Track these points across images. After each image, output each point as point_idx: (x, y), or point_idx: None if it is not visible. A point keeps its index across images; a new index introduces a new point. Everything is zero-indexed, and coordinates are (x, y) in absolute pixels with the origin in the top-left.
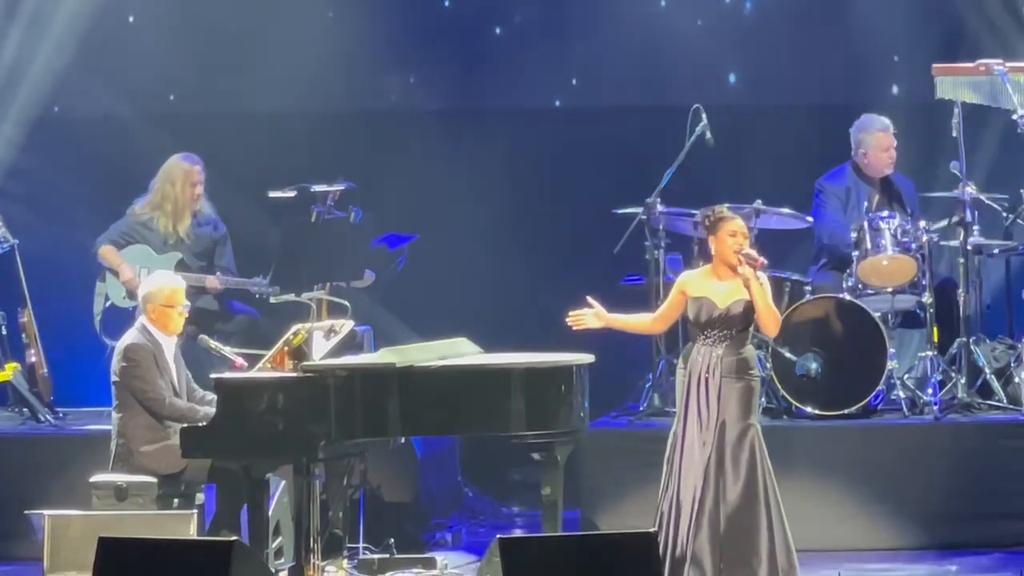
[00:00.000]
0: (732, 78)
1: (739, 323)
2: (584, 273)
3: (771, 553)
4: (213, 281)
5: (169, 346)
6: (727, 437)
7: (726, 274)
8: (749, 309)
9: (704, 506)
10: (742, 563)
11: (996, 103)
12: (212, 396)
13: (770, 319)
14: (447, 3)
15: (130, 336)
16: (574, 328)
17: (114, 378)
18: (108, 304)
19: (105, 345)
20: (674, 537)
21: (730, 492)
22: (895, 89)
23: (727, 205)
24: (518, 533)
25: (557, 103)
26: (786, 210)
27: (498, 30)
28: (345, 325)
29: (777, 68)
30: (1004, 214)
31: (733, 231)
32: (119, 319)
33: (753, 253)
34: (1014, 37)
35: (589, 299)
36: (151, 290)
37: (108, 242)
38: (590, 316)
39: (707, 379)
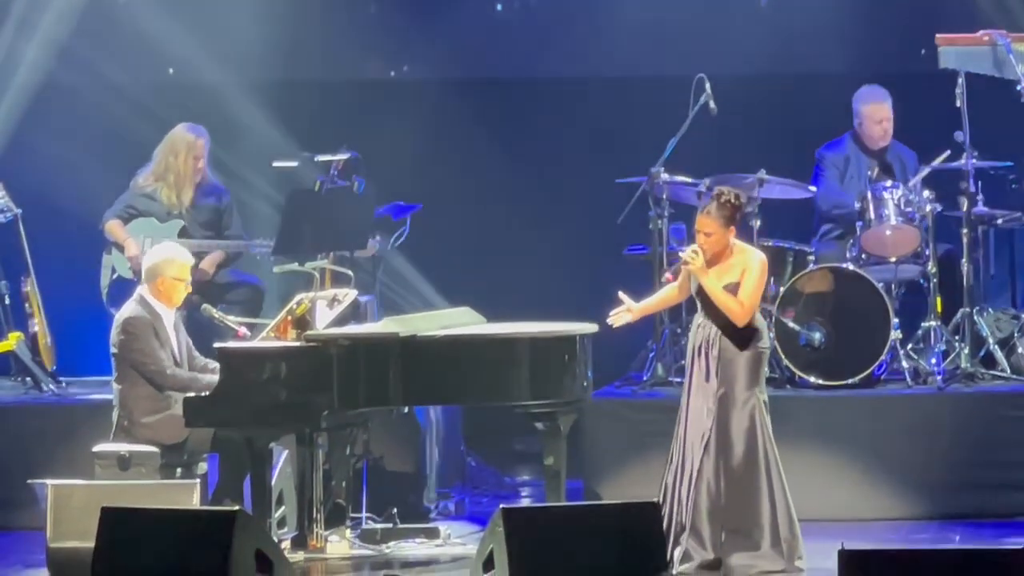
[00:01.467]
0: (737, 47)
1: (735, 293)
2: (588, 243)
3: (773, 523)
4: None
5: (169, 317)
6: (729, 406)
7: (715, 258)
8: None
9: (703, 475)
10: (743, 533)
11: (1000, 73)
12: (215, 364)
13: (730, 309)
14: None
15: (128, 308)
16: (615, 326)
17: (113, 350)
18: (115, 276)
19: (111, 317)
20: (677, 507)
21: (731, 462)
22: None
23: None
24: (521, 503)
25: (561, 72)
26: (790, 180)
27: (499, 6)
28: (348, 294)
29: (783, 38)
30: (1013, 185)
31: (697, 228)
32: (126, 291)
33: (687, 256)
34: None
35: (621, 294)
36: (161, 261)
37: (114, 217)
38: (624, 313)
39: (708, 349)
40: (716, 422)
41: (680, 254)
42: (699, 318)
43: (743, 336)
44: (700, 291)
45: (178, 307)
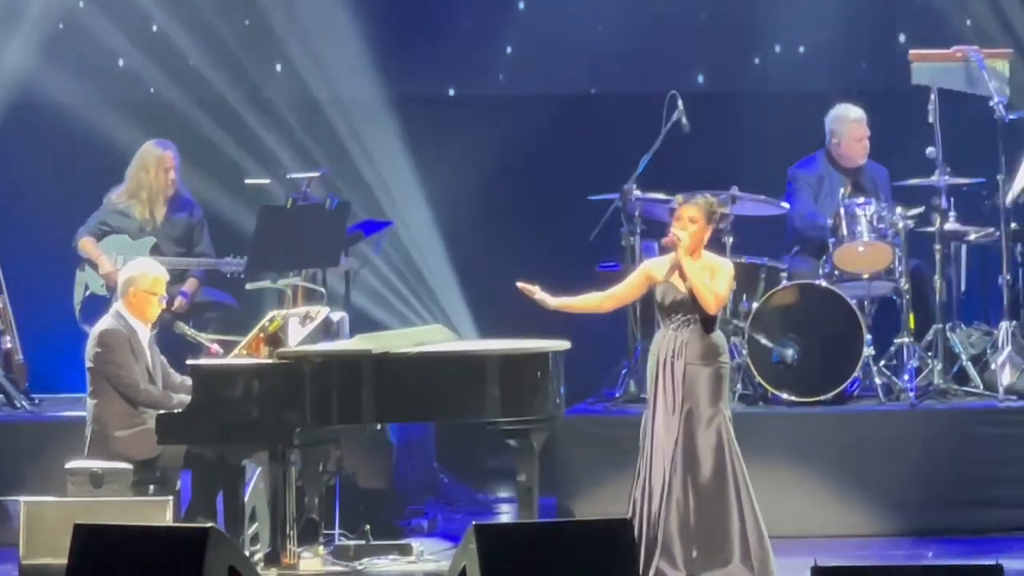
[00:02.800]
0: (707, 65)
1: (701, 307)
2: (560, 260)
3: (743, 538)
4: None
5: (144, 333)
6: (695, 423)
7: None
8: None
9: (673, 493)
10: (713, 550)
11: (972, 89)
12: (190, 381)
13: (706, 297)
14: None
15: (105, 322)
16: (522, 292)
17: (88, 364)
18: (88, 293)
19: (84, 333)
20: (646, 524)
21: (699, 479)
22: (868, 75)
23: (708, 194)
24: (494, 520)
25: (533, 89)
26: (762, 197)
27: (464, 24)
28: (321, 312)
29: (752, 55)
30: (985, 201)
31: (679, 216)
32: (99, 308)
33: (678, 234)
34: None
35: (537, 287)
36: (135, 274)
37: (87, 234)
38: (540, 295)
39: (672, 363)
40: (682, 438)
41: (672, 232)
42: (662, 331)
43: (706, 350)
44: (665, 303)
45: (153, 323)
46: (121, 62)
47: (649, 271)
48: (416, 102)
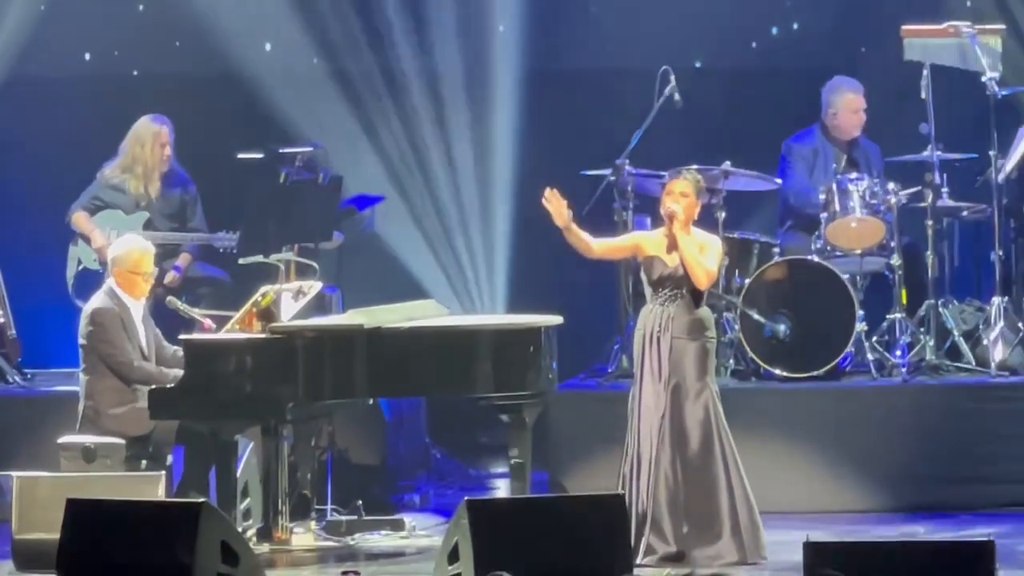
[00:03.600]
0: (702, 39)
1: (689, 282)
2: (552, 235)
3: (732, 512)
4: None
5: (137, 309)
6: (682, 397)
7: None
8: None
9: (661, 467)
10: (705, 526)
11: (965, 65)
12: (182, 352)
13: (698, 272)
14: None
15: (97, 300)
16: (545, 204)
17: (81, 341)
18: (80, 268)
19: (77, 308)
20: (636, 499)
21: (687, 453)
22: (864, 50)
23: (695, 167)
24: (486, 495)
25: (526, 65)
26: (755, 172)
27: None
28: (313, 287)
29: (747, 29)
30: (978, 177)
31: (670, 190)
32: (91, 282)
33: (673, 208)
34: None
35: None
36: (119, 254)
37: (80, 208)
38: (562, 208)
39: (659, 338)
40: (670, 413)
41: (667, 206)
42: (649, 305)
43: (692, 325)
44: (652, 277)
45: (146, 298)
46: (113, 37)
47: (639, 241)
48: (408, 77)
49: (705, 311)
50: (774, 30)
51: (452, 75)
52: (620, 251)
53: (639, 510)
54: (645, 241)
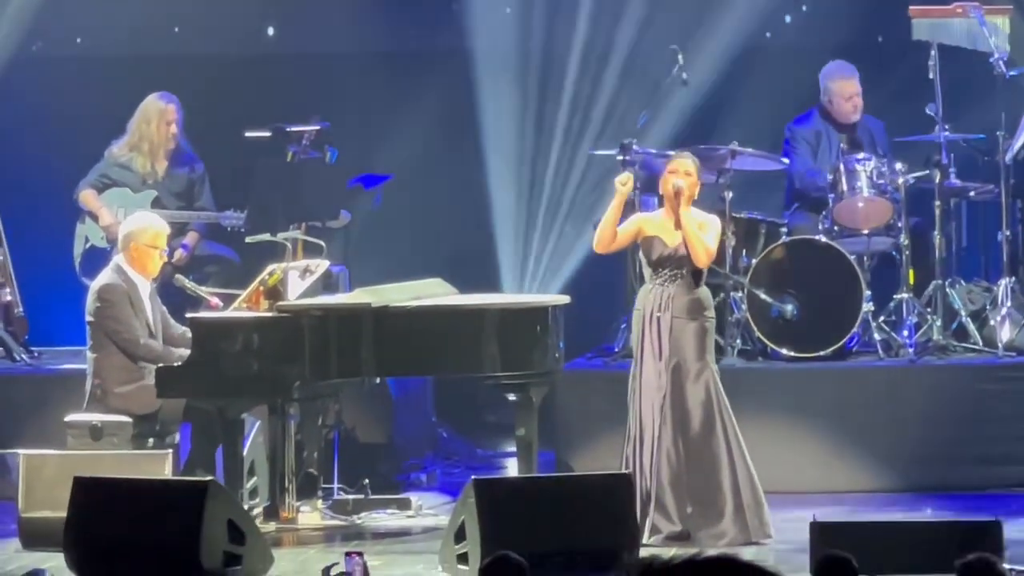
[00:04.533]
0: (709, 20)
1: (689, 262)
2: (560, 214)
3: (735, 490)
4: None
5: (144, 286)
6: (683, 377)
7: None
8: None
9: (663, 446)
10: (708, 505)
11: (972, 45)
12: (190, 332)
13: (699, 249)
14: None
15: (104, 276)
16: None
17: (88, 318)
18: (88, 246)
19: (84, 286)
20: (639, 479)
21: (688, 433)
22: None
23: (702, 147)
24: (493, 474)
25: (533, 43)
26: (762, 152)
27: None
28: (320, 265)
29: (755, 8)
30: (984, 157)
31: (674, 168)
32: (99, 260)
33: (678, 183)
34: None
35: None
36: (135, 228)
37: (88, 186)
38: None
39: (659, 318)
40: (671, 393)
41: (672, 182)
42: (648, 285)
43: (692, 305)
44: (652, 258)
45: (154, 277)
46: (124, 15)
47: (640, 223)
48: (415, 55)
49: (704, 291)
50: (787, 17)
51: (458, 53)
52: (627, 236)
53: (643, 490)
54: (645, 222)
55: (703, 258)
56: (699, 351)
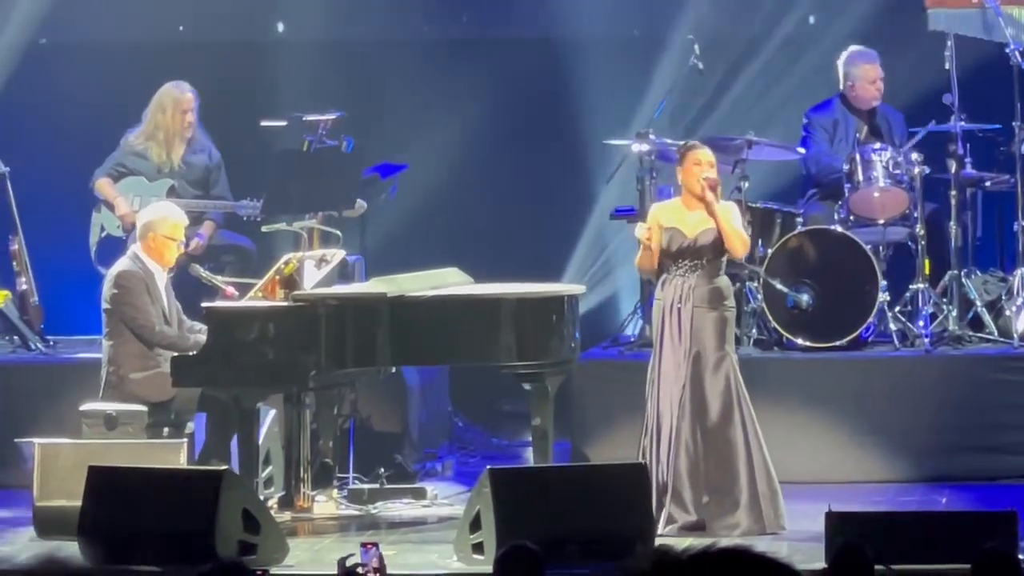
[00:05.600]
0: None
1: (709, 252)
2: (575, 204)
3: (751, 480)
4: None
5: (161, 276)
6: (703, 367)
7: (694, 204)
8: (719, 238)
9: (681, 437)
10: (724, 492)
11: (989, 36)
12: (200, 326)
13: (736, 241)
14: None
15: (121, 264)
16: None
17: (105, 305)
18: (104, 235)
19: (99, 275)
20: (656, 470)
21: (707, 423)
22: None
23: (718, 137)
24: (509, 464)
25: (549, 33)
26: (777, 142)
27: None
28: (336, 254)
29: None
30: (999, 147)
31: (698, 160)
32: (114, 249)
33: (711, 174)
34: None
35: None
36: (155, 219)
37: (104, 175)
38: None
39: (679, 309)
40: (690, 383)
41: (705, 174)
42: (668, 277)
43: (712, 295)
44: (671, 250)
45: (171, 267)
46: (141, 3)
47: (658, 216)
48: (432, 45)
49: (724, 280)
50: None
51: (471, 42)
52: (657, 239)
53: (660, 480)
54: (662, 213)
55: (740, 249)
56: (719, 341)
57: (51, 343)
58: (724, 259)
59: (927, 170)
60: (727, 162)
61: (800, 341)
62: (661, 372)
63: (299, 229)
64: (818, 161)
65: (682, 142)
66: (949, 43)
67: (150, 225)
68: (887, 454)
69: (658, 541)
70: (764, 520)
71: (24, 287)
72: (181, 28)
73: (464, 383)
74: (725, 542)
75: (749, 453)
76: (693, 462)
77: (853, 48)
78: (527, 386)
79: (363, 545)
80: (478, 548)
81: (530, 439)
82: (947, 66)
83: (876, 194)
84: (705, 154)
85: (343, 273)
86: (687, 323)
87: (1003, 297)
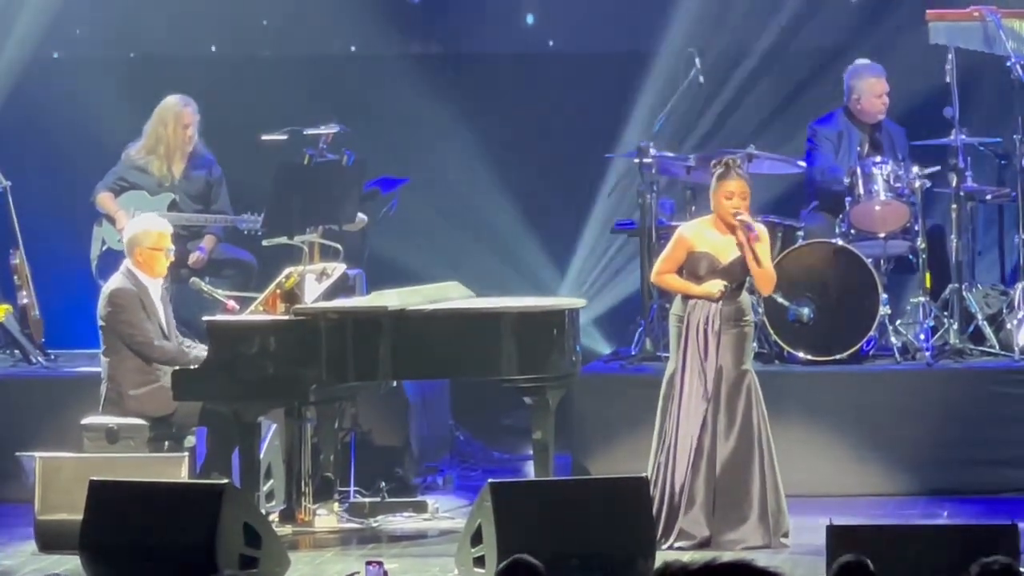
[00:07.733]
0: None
1: (739, 276)
2: (576, 218)
3: (762, 496)
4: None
5: (155, 288)
6: (724, 384)
7: (726, 229)
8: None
9: (702, 451)
10: (734, 506)
11: (990, 49)
12: (191, 343)
13: (767, 283)
14: None
15: (115, 281)
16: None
17: (100, 323)
18: (105, 248)
19: (100, 288)
20: (671, 485)
21: (727, 437)
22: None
23: (719, 150)
24: (510, 477)
25: (551, 45)
26: (778, 155)
27: None
28: (337, 268)
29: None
30: (999, 160)
31: (730, 192)
32: (115, 263)
33: (748, 220)
34: None
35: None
36: (137, 233)
37: (105, 189)
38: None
39: (706, 330)
40: (713, 400)
41: (745, 221)
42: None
43: (735, 312)
44: (700, 273)
45: (164, 277)
46: (140, 18)
47: (686, 239)
48: (433, 59)
49: (745, 297)
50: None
51: (476, 58)
52: (678, 262)
53: (673, 500)
54: (691, 236)
55: (768, 289)
56: (738, 357)
57: (52, 357)
58: (748, 278)
59: (928, 184)
60: None
61: (801, 354)
62: (683, 392)
63: (300, 243)
64: (823, 172)
65: (722, 159)
66: (950, 56)
67: (134, 240)
68: (888, 467)
69: (661, 555)
70: (770, 535)
71: (25, 301)
72: (182, 40)
73: (465, 397)
74: (728, 556)
75: (763, 470)
76: (710, 475)
77: (859, 61)
78: (528, 400)
79: (368, 563)
80: (479, 562)
81: (531, 453)
82: (948, 79)
83: (877, 207)
84: (737, 185)
85: (344, 287)
86: (713, 344)
87: (1004, 310)
